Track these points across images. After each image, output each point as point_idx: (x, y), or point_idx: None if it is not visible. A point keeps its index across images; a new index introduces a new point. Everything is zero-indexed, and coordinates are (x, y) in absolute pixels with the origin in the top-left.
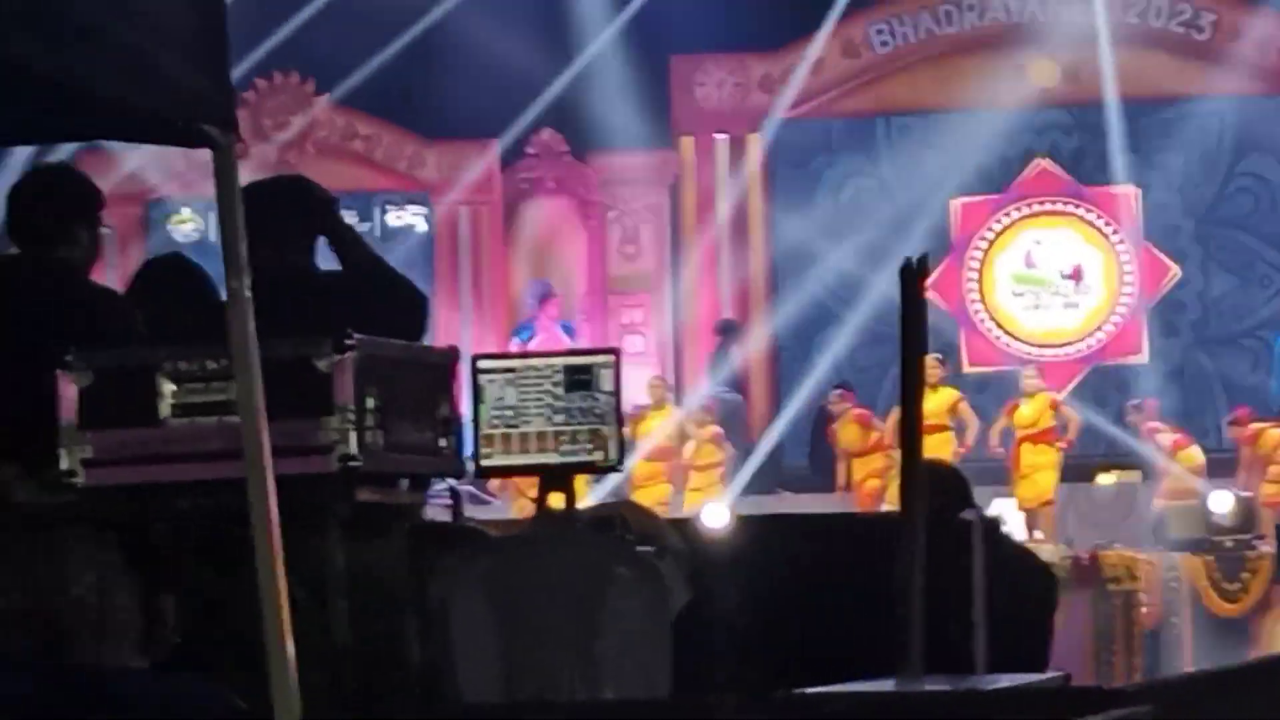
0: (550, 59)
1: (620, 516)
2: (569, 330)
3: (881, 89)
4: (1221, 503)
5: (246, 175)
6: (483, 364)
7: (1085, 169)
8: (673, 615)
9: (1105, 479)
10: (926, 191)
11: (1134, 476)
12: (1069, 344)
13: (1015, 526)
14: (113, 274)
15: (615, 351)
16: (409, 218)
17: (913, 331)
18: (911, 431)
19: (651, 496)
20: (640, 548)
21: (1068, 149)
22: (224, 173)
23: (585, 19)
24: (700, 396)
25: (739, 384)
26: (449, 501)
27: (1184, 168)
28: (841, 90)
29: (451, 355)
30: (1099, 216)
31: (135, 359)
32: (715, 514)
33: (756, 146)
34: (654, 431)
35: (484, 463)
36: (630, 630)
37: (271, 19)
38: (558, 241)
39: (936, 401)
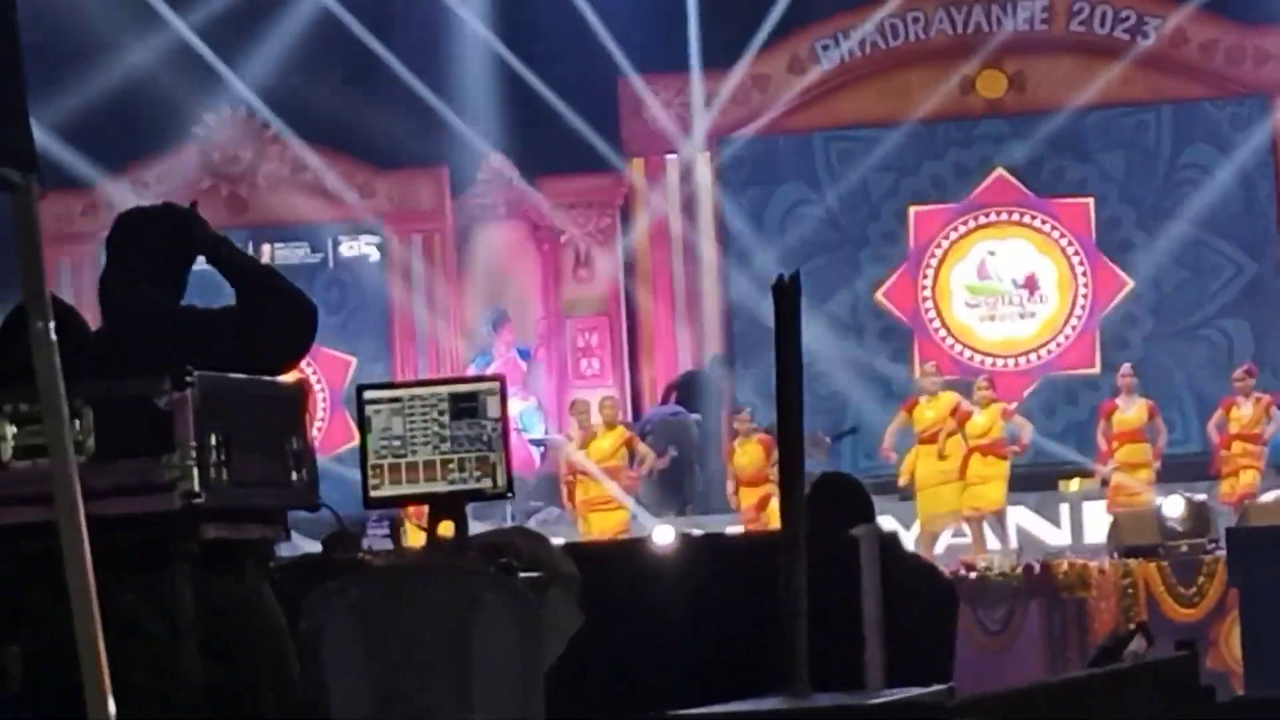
0: (497, 85)
1: (511, 544)
2: (525, 355)
3: (829, 104)
4: (1174, 507)
5: (200, 210)
6: (368, 394)
7: (1040, 179)
8: (563, 642)
9: (1067, 486)
10: (880, 204)
11: (1094, 484)
12: (1022, 354)
13: (960, 537)
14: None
15: (500, 379)
16: (362, 248)
17: (787, 349)
18: (791, 450)
19: (608, 522)
20: (525, 574)
21: (1021, 159)
22: (22, 213)
23: (532, 42)
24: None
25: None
26: (386, 532)
27: (1130, 173)
28: (790, 106)
29: (300, 388)
30: (1053, 227)
31: None
32: (664, 533)
33: (706, 165)
34: (605, 451)
35: (372, 494)
36: (501, 658)
37: (218, 54)
38: (511, 267)
39: (989, 418)
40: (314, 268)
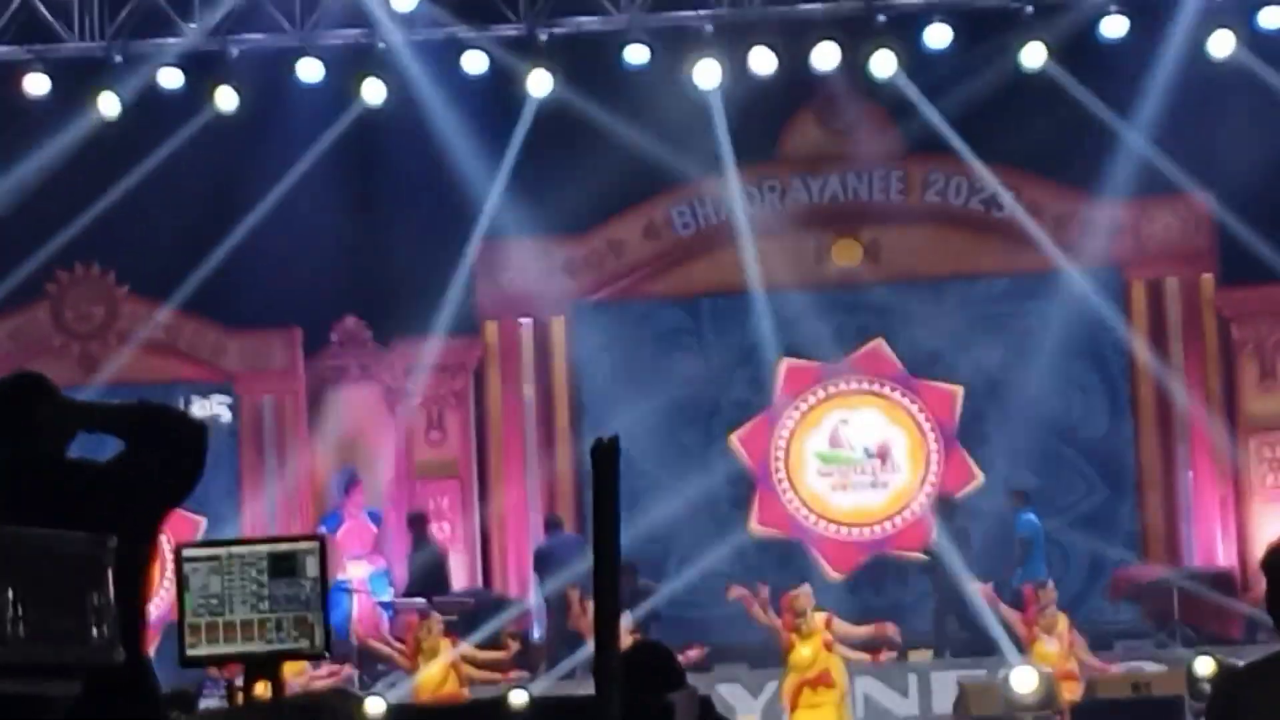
0: (352, 245)
1: (328, 705)
2: (376, 518)
3: (684, 271)
4: (1025, 681)
5: (52, 368)
6: (187, 552)
7: (916, 358)
8: None
9: (915, 656)
10: (751, 354)
11: (926, 656)
12: (870, 524)
13: None
14: None
15: (320, 538)
16: (213, 408)
17: (605, 512)
18: (606, 616)
19: None
20: None
21: (901, 331)
22: None
23: (388, 204)
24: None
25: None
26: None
27: (999, 363)
28: (645, 272)
29: (102, 542)
30: (918, 408)
31: None
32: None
33: (561, 330)
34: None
35: (189, 653)
36: None
37: (70, 210)
38: (363, 429)
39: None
40: None
